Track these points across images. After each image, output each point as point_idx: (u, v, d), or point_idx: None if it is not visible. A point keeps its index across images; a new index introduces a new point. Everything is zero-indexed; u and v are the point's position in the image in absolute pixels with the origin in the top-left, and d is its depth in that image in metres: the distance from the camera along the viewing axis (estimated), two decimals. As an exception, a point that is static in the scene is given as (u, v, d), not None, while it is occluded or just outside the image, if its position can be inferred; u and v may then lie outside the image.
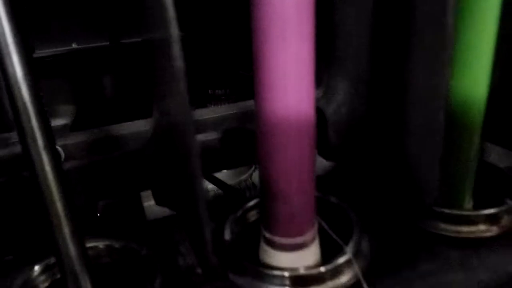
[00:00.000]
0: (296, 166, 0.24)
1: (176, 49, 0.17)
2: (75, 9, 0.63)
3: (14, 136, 0.42)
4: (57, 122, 0.68)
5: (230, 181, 0.61)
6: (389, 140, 0.27)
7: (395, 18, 0.24)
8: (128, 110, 0.70)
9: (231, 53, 0.74)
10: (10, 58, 0.20)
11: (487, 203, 0.29)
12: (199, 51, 0.75)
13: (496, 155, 0.34)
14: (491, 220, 0.28)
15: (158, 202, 0.28)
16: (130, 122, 0.45)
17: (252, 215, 0.30)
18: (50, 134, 0.21)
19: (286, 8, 0.20)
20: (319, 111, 0.31)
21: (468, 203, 0.30)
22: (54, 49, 0.66)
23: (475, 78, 0.26)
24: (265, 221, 0.26)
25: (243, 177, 0.63)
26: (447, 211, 0.28)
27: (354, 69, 0.29)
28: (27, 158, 0.21)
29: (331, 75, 0.31)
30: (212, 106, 0.78)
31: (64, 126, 0.46)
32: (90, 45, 0.67)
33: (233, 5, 0.66)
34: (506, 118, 0.34)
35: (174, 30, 0.17)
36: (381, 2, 0.25)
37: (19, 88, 0.20)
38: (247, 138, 0.31)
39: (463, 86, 0.26)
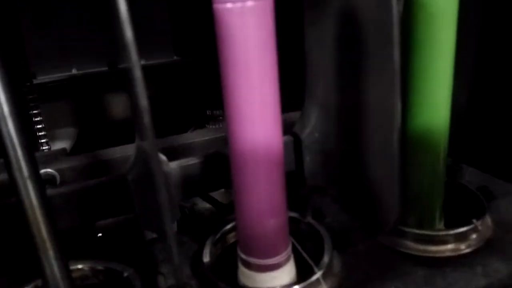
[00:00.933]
0: (267, 191, 0.25)
1: (140, 88, 0.18)
2: (75, 36, 0.65)
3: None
4: (57, 145, 0.70)
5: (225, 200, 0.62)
6: (353, 162, 0.28)
7: (352, 49, 0.26)
8: (126, 133, 0.72)
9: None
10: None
11: (457, 223, 0.30)
12: (196, 74, 0.77)
13: (469, 176, 0.35)
14: (459, 239, 0.29)
15: (142, 225, 0.30)
16: (121, 147, 0.47)
17: (231, 237, 0.31)
18: (34, 164, 0.22)
19: (249, 49, 0.22)
20: (295, 136, 0.33)
21: (439, 223, 0.31)
22: (55, 75, 0.68)
23: (435, 101, 0.28)
24: (241, 243, 0.27)
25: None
26: (416, 231, 0.29)
27: (323, 95, 0.31)
28: (13, 186, 0.23)
29: (305, 101, 0.33)
30: (211, 126, 0.80)
31: (62, 150, 0.48)
32: (90, 70, 0.70)
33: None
34: (478, 140, 0.35)
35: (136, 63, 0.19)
36: (341, 36, 0.27)
37: (6, 124, 0.21)
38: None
39: (424, 111, 0.28)
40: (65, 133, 0.77)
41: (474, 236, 0.29)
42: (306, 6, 0.30)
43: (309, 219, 0.30)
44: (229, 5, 0.22)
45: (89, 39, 0.68)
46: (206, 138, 0.48)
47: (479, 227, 0.29)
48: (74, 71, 0.69)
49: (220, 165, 0.33)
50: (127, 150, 0.46)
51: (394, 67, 0.22)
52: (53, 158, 0.47)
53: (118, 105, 0.75)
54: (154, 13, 0.68)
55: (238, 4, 0.22)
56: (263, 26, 0.22)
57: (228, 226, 0.31)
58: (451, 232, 0.29)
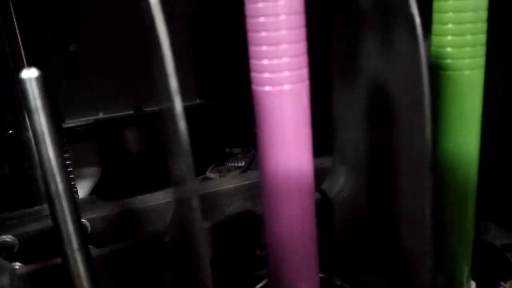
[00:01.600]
0: (298, 248, 0.26)
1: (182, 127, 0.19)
2: (103, 83, 0.68)
3: (43, 209, 0.45)
4: (81, 183, 0.72)
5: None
6: (383, 223, 0.29)
7: (383, 116, 0.27)
8: (147, 173, 0.74)
9: (245, 114, 0.78)
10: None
11: (483, 284, 0.31)
12: (218, 115, 0.80)
13: (492, 233, 0.36)
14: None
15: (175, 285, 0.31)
16: (151, 195, 0.48)
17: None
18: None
19: (286, 126, 0.24)
20: (324, 194, 0.34)
21: (467, 283, 0.32)
22: (83, 119, 0.71)
23: (463, 161, 0.29)
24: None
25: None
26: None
27: (353, 156, 0.32)
28: (62, 255, 0.24)
29: (334, 160, 0.34)
30: (230, 163, 0.82)
31: (91, 198, 0.50)
32: (116, 114, 0.72)
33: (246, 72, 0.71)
34: (502, 196, 0.36)
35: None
36: (371, 102, 0.29)
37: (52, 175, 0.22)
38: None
39: (452, 170, 0.29)
40: (88, 172, 0.79)
41: (502, 299, 0.30)
42: (335, 72, 0.32)
43: (338, 280, 0.31)
44: (267, 88, 0.23)
45: (116, 85, 0.71)
46: (231, 186, 0.49)
47: (507, 289, 0.30)
48: (101, 115, 0.72)
49: (250, 224, 0.34)
50: (157, 199, 0.47)
51: (426, 144, 0.23)
52: (83, 206, 0.48)
53: (140, 147, 0.78)
54: (180, 59, 0.70)
55: (276, 88, 0.23)
56: (299, 106, 0.24)
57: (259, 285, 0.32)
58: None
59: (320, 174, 0.29)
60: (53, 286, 0.30)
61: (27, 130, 0.50)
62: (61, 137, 0.64)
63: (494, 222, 0.36)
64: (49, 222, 0.43)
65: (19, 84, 0.20)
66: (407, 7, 0.22)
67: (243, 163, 0.82)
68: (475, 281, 0.32)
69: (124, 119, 0.73)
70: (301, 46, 0.23)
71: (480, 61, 0.27)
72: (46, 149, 0.21)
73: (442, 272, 0.32)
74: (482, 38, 0.26)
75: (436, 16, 0.27)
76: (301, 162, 0.25)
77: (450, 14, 0.26)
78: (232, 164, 0.83)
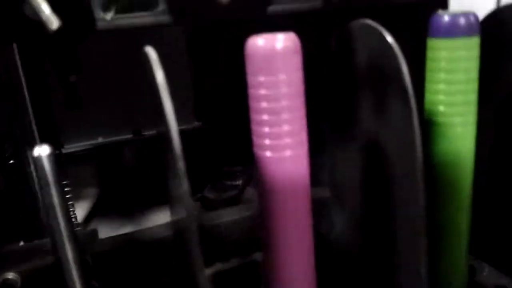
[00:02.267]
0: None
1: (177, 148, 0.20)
2: (102, 109, 0.69)
3: (44, 243, 0.46)
4: (79, 203, 0.73)
5: None
6: (379, 273, 0.30)
7: (378, 169, 0.28)
8: (144, 196, 0.74)
9: (243, 133, 0.79)
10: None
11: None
12: (214, 134, 0.81)
13: (485, 273, 0.37)
14: None
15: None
16: (152, 228, 0.49)
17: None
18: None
19: (286, 188, 0.25)
20: (319, 235, 0.35)
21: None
22: (82, 143, 0.72)
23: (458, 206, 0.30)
24: None
25: None
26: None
27: (349, 204, 0.33)
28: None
29: (332, 211, 0.35)
30: (228, 182, 0.83)
31: (92, 231, 0.50)
32: (115, 138, 0.73)
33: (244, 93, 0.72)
34: (494, 238, 0.37)
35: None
36: (367, 155, 0.30)
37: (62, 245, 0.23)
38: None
39: (447, 214, 0.30)
40: (86, 193, 0.80)
41: None
42: (329, 124, 0.33)
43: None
44: (268, 153, 0.24)
45: (115, 110, 0.72)
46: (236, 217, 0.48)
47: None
48: (100, 139, 0.73)
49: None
50: (159, 232, 0.47)
51: (420, 200, 0.24)
52: (84, 241, 0.49)
53: (138, 170, 0.78)
54: (178, 82, 0.72)
55: (277, 154, 0.24)
56: (299, 169, 0.25)
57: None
58: None
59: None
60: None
61: (28, 162, 0.51)
62: (60, 163, 0.65)
63: (487, 262, 0.37)
64: (50, 258, 0.44)
65: (32, 161, 0.21)
66: (401, 79, 0.23)
67: (241, 181, 0.83)
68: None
69: (122, 143, 0.74)
70: (301, 114, 0.24)
71: (472, 118, 0.28)
72: (57, 220, 0.22)
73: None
74: (473, 98, 0.28)
75: (429, 75, 0.28)
76: (300, 220, 0.26)
77: (442, 75, 0.27)
78: (230, 183, 0.84)
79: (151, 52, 0.21)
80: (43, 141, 0.52)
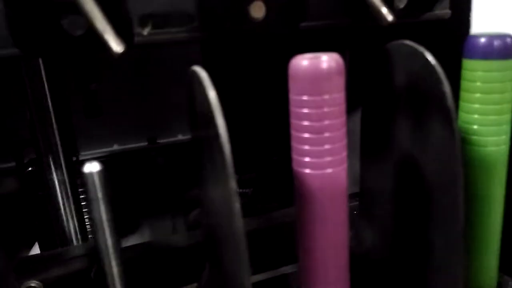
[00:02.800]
0: None
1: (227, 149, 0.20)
2: (118, 116, 0.69)
3: (65, 252, 0.46)
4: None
5: None
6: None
7: (413, 187, 0.29)
8: (157, 204, 0.75)
9: (258, 140, 0.80)
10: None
11: None
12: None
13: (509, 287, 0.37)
14: None
15: None
16: (170, 237, 0.49)
17: None
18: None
19: (325, 206, 0.25)
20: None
21: None
22: (98, 151, 0.72)
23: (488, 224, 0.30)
24: None
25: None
26: None
27: (378, 221, 0.33)
28: None
29: (361, 223, 0.35)
30: (240, 190, 0.83)
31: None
32: (130, 146, 0.74)
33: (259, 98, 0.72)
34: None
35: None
36: (402, 173, 0.30)
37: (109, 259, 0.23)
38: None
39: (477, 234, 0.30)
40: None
41: None
42: (364, 142, 0.33)
43: None
44: (308, 170, 0.25)
45: (131, 117, 0.72)
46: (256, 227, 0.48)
47: None
48: (115, 147, 0.73)
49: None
50: (176, 241, 0.47)
51: (458, 228, 0.24)
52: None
53: (153, 176, 0.79)
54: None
55: (317, 171, 0.25)
56: (338, 187, 0.25)
57: None
58: None
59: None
60: None
61: (49, 169, 0.51)
62: (74, 170, 0.65)
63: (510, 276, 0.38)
64: (72, 266, 0.44)
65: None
66: (444, 100, 0.23)
67: (251, 189, 0.83)
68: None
69: (137, 151, 0.74)
70: (342, 132, 0.24)
71: (505, 138, 0.28)
72: (104, 235, 0.22)
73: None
74: (507, 117, 0.28)
75: (464, 95, 0.28)
76: (338, 236, 0.27)
77: (478, 95, 0.28)
78: (240, 190, 0.84)
79: (201, 72, 0.21)
80: (63, 148, 0.53)
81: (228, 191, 0.21)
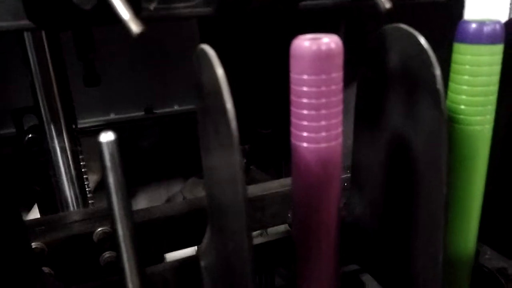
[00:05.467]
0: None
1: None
2: (116, 85, 0.70)
3: (67, 216, 0.48)
4: (90, 176, 0.75)
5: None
6: (395, 257, 0.33)
7: (402, 161, 0.31)
8: (153, 173, 0.77)
9: (250, 112, 0.81)
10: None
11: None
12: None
13: (487, 256, 0.40)
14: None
15: None
16: (170, 204, 0.51)
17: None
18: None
19: (320, 179, 0.27)
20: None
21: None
22: (95, 119, 0.73)
23: (470, 191, 0.33)
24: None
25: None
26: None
27: (369, 193, 0.35)
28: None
29: (351, 194, 0.37)
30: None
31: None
32: (127, 115, 0.75)
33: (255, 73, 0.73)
34: (497, 223, 0.40)
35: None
36: (392, 148, 0.32)
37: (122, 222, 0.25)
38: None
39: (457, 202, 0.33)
40: (96, 166, 0.82)
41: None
42: (357, 118, 0.35)
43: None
44: (305, 144, 0.27)
45: (128, 86, 0.73)
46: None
47: (500, 313, 0.34)
48: (112, 116, 0.74)
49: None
50: (176, 208, 0.49)
51: (442, 198, 0.27)
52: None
53: (149, 145, 0.80)
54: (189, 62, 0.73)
55: (313, 145, 0.26)
56: (332, 160, 0.27)
57: None
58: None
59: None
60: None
61: (51, 137, 0.53)
62: (75, 137, 0.67)
63: (489, 246, 0.40)
64: (74, 229, 0.46)
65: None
66: (434, 82, 0.25)
67: (244, 160, 0.85)
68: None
69: (134, 120, 0.76)
70: (338, 110, 0.26)
71: (490, 118, 0.30)
72: (119, 200, 0.24)
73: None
74: (493, 99, 0.30)
75: (453, 76, 0.30)
76: (331, 206, 0.29)
77: (466, 77, 0.29)
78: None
79: (208, 50, 0.23)
80: (64, 115, 0.54)
81: (233, 162, 0.22)
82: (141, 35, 0.23)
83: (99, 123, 0.74)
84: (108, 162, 0.23)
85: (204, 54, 0.23)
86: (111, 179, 0.23)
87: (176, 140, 0.77)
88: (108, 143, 0.23)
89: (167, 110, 0.77)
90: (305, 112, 0.26)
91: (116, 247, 0.25)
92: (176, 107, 0.77)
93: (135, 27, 0.23)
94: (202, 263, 0.33)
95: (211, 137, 0.27)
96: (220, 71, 0.22)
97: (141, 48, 0.71)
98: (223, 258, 0.32)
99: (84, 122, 0.73)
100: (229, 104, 0.22)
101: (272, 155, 0.82)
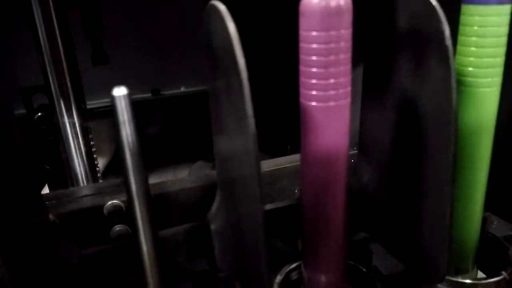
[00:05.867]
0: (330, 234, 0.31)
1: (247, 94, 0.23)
2: (123, 66, 0.70)
3: (78, 190, 0.49)
4: (99, 158, 0.76)
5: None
6: (403, 220, 0.33)
7: (410, 123, 0.31)
8: (162, 155, 0.77)
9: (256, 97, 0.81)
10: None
11: (487, 272, 0.35)
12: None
13: (494, 225, 0.40)
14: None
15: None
16: (176, 180, 0.52)
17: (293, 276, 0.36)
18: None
19: (329, 137, 0.28)
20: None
21: (472, 271, 0.36)
22: (103, 100, 0.74)
23: (476, 159, 0.33)
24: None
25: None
26: (451, 278, 0.35)
27: (376, 159, 0.36)
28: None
29: (359, 160, 0.38)
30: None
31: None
32: (134, 96, 0.74)
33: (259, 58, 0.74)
34: (504, 192, 0.40)
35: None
36: (400, 111, 0.32)
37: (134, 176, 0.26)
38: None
39: (465, 171, 0.33)
40: (104, 147, 0.83)
41: (503, 286, 0.34)
42: (365, 83, 0.35)
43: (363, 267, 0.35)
44: (314, 103, 0.27)
45: (135, 68, 0.73)
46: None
47: (507, 277, 0.34)
48: (120, 97, 0.75)
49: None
50: (185, 183, 0.49)
51: (450, 156, 0.27)
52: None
53: (156, 128, 0.81)
54: (194, 44, 0.73)
55: (322, 104, 0.27)
56: (341, 120, 0.27)
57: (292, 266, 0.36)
58: (482, 281, 0.34)
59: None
60: (115, 266, 0.34)
61: (61, 114, 0.53)
62: (84, 114, 0.67)
63: (497, 215, 0.41)
64: (85, 203, 0.47)
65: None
66: (443, 39, 0.25)
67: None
68: (479, 269, 0.36)
69: (141, 102, 0.76)
70: (347, 69, 0.27)
71: (497, 80, 0.30)
72: (132, 156, 0.24)
73: (450, 259, 0.36)
74: (500, 61, 0.30)
75: (461, 39, 0.30)
76: (340, 167, 0.29)
77: (474, 39, 0.30)
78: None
79: (219, 5, 0.23)
80: (74, 93, 0.55)
81: (246, 120, 0.23)
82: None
83: (105, 105, 0.74)
84: (121, 117, 0.23)
85: (215, 10, 0.24)
86: (124, 133, 0.23)
87: (183, 122, 0.78)
88: (121, 97, 0.23)
89: (174, 91, 0.78)
90: (314, 70, 0.26)
91: (128, 202, 0.25)
92: (183, 89, 0.78)
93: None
94: (212, 227, 0.34)
95: (222, 100, 0.27)
96: (232, 26, 0.22)
97: (148, 30, 0.71)
98: (233, 222, 0.32)
99: (91, 103, 0.73)
100: (241, 60, 0.22)
101: (278, 139, 0.83)
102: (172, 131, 0.79)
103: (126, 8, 0.68)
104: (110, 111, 0.71)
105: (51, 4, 0.50)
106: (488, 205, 0.39)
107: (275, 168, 0.50)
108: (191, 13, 0.74)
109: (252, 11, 0.70)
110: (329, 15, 0.25)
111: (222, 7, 0.23)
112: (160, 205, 0.46)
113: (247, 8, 0.69)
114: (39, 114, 0.62)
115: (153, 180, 0.78)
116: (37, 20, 0.51)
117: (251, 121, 0.22)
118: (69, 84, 0.52)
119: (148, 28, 0.73)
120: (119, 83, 0.73)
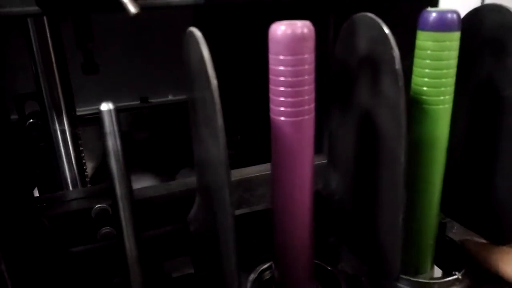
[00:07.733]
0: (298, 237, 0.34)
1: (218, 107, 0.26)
2: (112, 74, 0.73)
3: (67, 194, 0.51)
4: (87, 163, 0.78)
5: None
6: (364, 224, 0.37)
7: (369, 135, 0.34)
8: (149, 161, 0.79)
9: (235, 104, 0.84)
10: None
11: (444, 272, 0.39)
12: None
13: (454, 230, 0.43)
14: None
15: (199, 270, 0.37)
16: (165, 184, 0.54)
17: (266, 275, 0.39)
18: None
19: (294, 148, 0.31)
20: (318, 194, 0.41)
21: (430, 272, 0.40)
22: (92, 107, 0.76)
23: (432, 161, 0.36)
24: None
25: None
26: (411, 278, 0.38)
27: (342, 168, 0.39)
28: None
29: (329, 170, 0.41)
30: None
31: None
32: (123, 104, 0.78)
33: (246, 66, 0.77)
34: (462, 200, 0.43)
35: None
36: (361, 127, 0.36)
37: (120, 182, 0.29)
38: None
39: (421, 175, 0.36)
40: (92, 154, 0.85)
41: (456, 285, 0.38)
42: (332, 102, 0.38)
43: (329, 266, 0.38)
44: (282, 118, 0.30)
45: (124, 76, 0.76)
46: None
47: (460, 277, 0.38)
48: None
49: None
50: (170, 187, 0.52)
51: (401, 165, 0.30)
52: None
53: (144, 134, 0.84)
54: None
55: (290, 119, 0.30)
56: (306, 133, 0.31)
57: (265, 266, 0.39)
58: (437, 281, 0.38)
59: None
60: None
61: (53, 121, 0.56)
62: (74, 121, 0.70)
63: (456, 221, 0.44)
64: (74, 206, 0.49)
65: (99, 114, 0.27)
66: (393, 63, 0.29)
67: (233, 152, 0.88)
68: (441, 270, 0.40)
69: (130, 109, 0.79)
70: (311, 88, 0.30)
71: (449, 98, 0.34)
72: (117, 163, 0.27)
73: (409, 263, 0.39)
74: (451, 81, 0.33)
75: (417, 61, 0.34)
76: (305, 174, 0.32)
77: (428, 61, 0.33)
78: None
79: (196, 32, 0.26)
80: (65, 101, 0.57)
81: (215, 131, 0.26)
82: (137, 16, 0.26)
83: (95, 112, 0.77)
84: (108, 129, 0.26)
85: (192, 35, 0.27)
86: (110, 144, 0.26)
87: (170, 128, 0.81)
88: (108, 111, 0.26)
89: (162, 99, 0.80)
90: (281, 89, 0.29)
91: (113, 206, 0.28)
92: (170, 97, 0.81)
93: (132, 8, 0.26)
94: (191, 228, 0.37)
95: (198, 111, 0.30)
96: (205, 51, 0.26)
97: (137, 39, 0.74)
98: (209, 225, 0.35)
99: (80, 111, 0.76)
100: (214, 81, 0.25)
101: (263, 146, 0.85)
102: (159, 137, 0.81)
103: (116, 20, 0.71)
104: (98, 118, 0.73)
105: (44, 17, 0.52)
106: (449, 212, 0.43)
107: (255, 175, 0.53)
108: (180, 22, 0.77)
109: (227, 35, 0.73)
110: (294, 41, 0.28)
111: (198, 34, 0.26)
112: (145, 209, 0.49)
113: (223, 33, 0.73)
114: (31, 120, 0.64)
115: (139, 185, 0.81)
116: (31, 32, 0.53)
117: (222, 133, 0.25)
118: (60, 92, 0.55)
119: (137, 37, 0.76)
120: (109, 91, 0.77)
